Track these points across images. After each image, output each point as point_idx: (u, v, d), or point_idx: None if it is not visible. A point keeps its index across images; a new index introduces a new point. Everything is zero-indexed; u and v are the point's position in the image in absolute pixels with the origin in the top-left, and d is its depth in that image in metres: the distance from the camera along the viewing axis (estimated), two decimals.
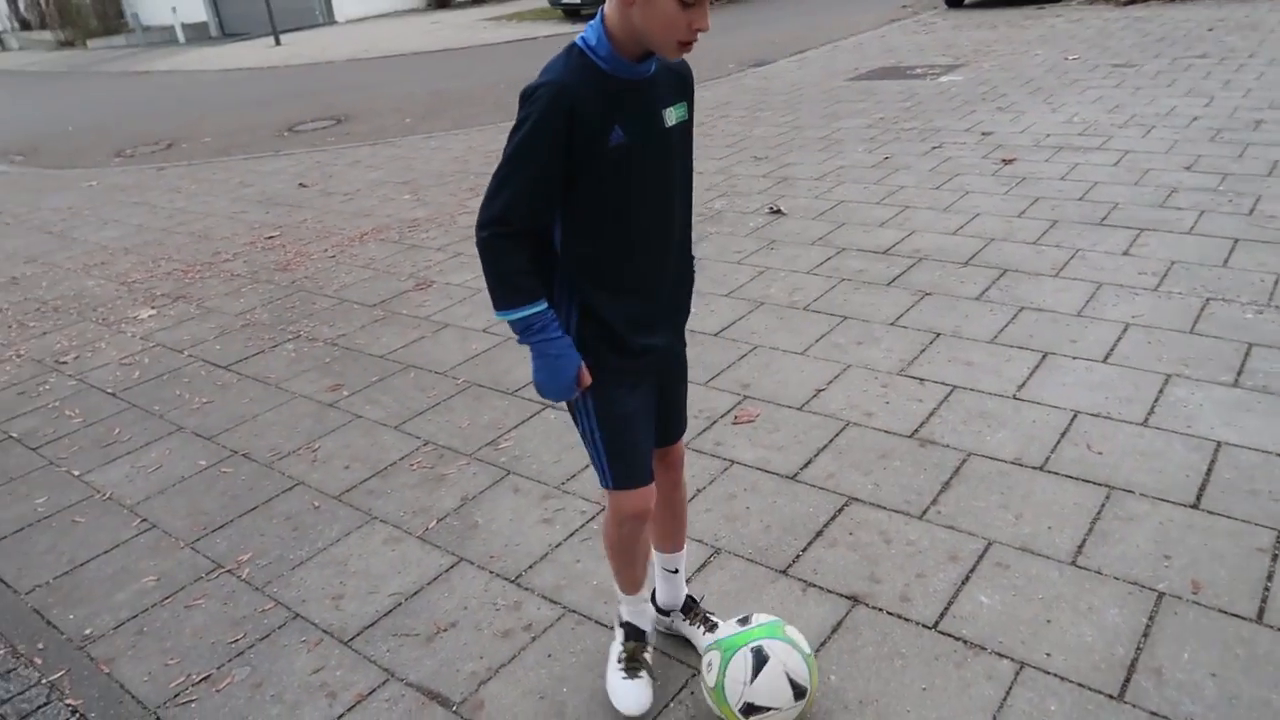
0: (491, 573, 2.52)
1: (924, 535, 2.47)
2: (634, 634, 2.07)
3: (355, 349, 4.10)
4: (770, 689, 1.82)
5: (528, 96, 1.57)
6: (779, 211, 5.27)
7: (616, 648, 2.08)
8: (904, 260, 4.34)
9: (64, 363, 4.31)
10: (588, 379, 1.72)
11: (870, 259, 4.42)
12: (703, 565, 2.45)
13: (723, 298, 4.16)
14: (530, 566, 2.53)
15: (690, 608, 2.16)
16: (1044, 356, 3.33)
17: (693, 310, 1.93)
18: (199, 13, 26.85)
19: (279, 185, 7.56)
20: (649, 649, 2.08)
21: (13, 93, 18.65)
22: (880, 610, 2.22)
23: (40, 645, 2.44)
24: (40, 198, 8.19)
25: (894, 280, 4.13)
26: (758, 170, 6.23)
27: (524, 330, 1.66)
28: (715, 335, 3.80)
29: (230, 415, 3.61)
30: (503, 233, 1.61)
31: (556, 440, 3.15)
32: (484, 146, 8.14)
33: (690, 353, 2.03)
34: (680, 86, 1.72)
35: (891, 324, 3.72)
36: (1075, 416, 2.94)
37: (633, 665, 2.03)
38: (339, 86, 13.44)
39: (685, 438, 2.06)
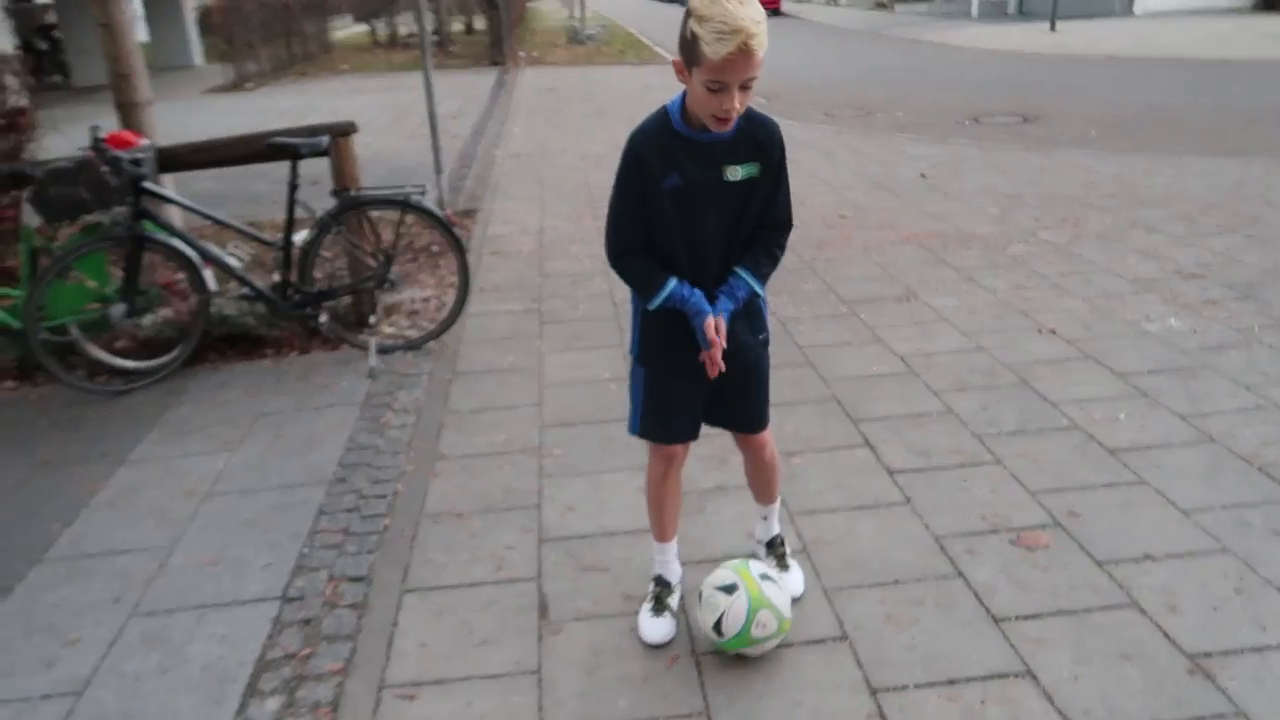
0: None
1: None
2: (661, 582, 2.47)
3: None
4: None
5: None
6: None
7: (649, 590, 2.49)
8: None
9: None
10: (722, 334, 2.10)
11: None
12: None
13: None
14: None
15: (774, 545, 2.60)
16: None
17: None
18: None
19: (906, 171, 7.85)
20: (674, 594, 2.47)
21: (808, 44, 21.75)
22: None
23: None
24: None
25: None
26: None
27: (679, 303, 2.10)
28: None
29: None
30: (621, 253, 2.14)
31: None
32: (1133, 176, 7.23)
33: None
34: (755, 150, 2.08)
35: None
36: None
37: (658, 606, 2.43)
38: (1061, 85, 12.84)
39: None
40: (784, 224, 2.20)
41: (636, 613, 2.49)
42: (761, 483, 2.56)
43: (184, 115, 11.15)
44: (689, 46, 1.88)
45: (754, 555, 2.61)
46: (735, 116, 1.94)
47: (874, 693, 2.21)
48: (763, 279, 2.21)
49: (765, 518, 2.62)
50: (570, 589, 2.62)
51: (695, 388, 2.27)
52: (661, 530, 2.46)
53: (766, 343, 2.35)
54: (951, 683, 2.23)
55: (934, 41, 20.55)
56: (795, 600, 2.48)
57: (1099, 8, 23.76)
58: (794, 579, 2.57)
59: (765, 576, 2.31)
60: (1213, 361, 3.88)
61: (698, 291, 2.11)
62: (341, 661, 2.39)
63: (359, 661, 2.39)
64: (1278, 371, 3.76)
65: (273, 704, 2.27)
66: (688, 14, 1.88)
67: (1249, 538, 2.72)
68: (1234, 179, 7.06)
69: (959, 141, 9.08)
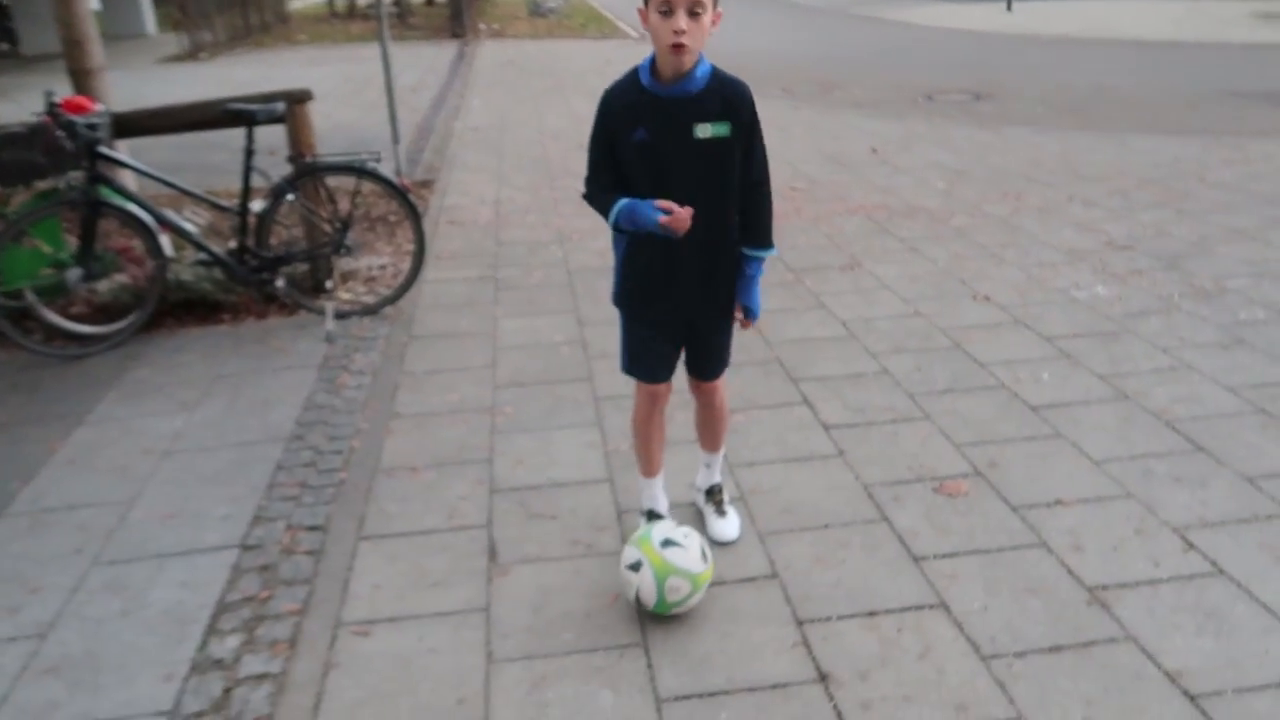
0: None
1: None
2: (653, 515, 2.64)
3: None
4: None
5: None
6: None
7: (641, 523, 2.65)
8: None
9: None
10: (678, 215, 2.15)
11: None
12: None
13: None
14: None
15: (712, 492, 2.76)
16: None
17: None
18: None
19: (859, 146, 8.02)
20: (666, 520, 2.58)
21: (771, 21, 21.85)
22: None
23: None
24: None
25: None
26: None
27: (625, 217, 2.21)
28: None
29: None
30: (592, 191, 2.31)
31: None
32: (1076, 153, 7.47)
33: None
34: (725, 109, 2.19)
35: None
36: None
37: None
38: (1014, 64, 13.09)
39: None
40: (762, 181, 2.32)
41: (584, 556, 2.63)
42: (709, 430, 2.70)
43: (137, 85, 10.98)
44: None
45: (656, 516, 2.64)
46: (688, 43, 2.06)
47: (800, 624, 2.38)
48: (766, 241, 2.36)
49: (708, 465, 2.77)
50: (519, 535, 2.76)
51: (666, 334, 2.44)
52: (649, 465, 2.64)
53: (738, 318, 2.50)
54: (871, 614, 2.41)
55: (895, 20, 20.75)
56: (729, 543, 2.64)
57: None
58: (729, 525, 2.71)
59: (667, 543, 2.36)
60: (1134, 326, 4.11)
61: (645, 203, 2.17)
62: (299, 603, 2.51)
63: (315, 602, 2.51)
64: (1193, 335, 3.99)
65: (232, 641, 2.38)
66: None
67: (1151, 485, 2.93)
68: (1172, 156, 7.32)
69: (912, 118, 9.27)
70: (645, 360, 2.48)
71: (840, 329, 4.14)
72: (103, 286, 4.37)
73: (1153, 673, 2.19)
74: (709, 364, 2.56)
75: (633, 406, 2.60)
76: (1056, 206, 6.01)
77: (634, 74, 2.21)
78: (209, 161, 7.28)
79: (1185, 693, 2.13)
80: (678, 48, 2.06)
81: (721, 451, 2.76)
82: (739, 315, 2.46)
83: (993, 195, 6.32)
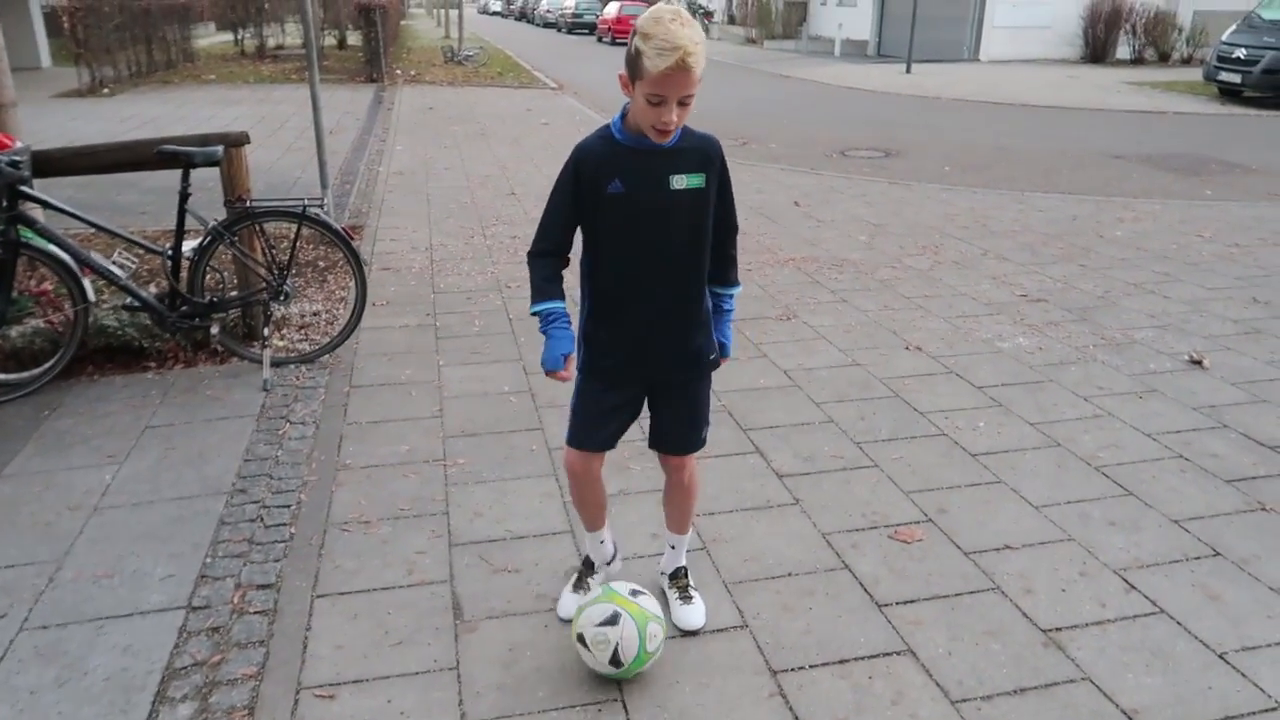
0: None
1: None
2: (587, 563, 2.67)
3: None
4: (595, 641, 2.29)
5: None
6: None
7: (575, 569, 2.69)
8: None
9: None
10: (571, 372, 2.25)
11: None
12: None
13: None
14: None
15: (677, 576, 2.66)
16: None
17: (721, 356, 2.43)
18: (864, 32, 29.02)
19: (782, 198, 8.26)
20: (596, 574, 2.65)
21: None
22: None
23: None
24: None
25: None
26: None
27: (544, 320, 2.24)
28: None
29: None
30: (536, 251, 2.28)
31: None
32: (984, 210, 7.87)
33: None
34: (701, 161, 2.23)
35: None
36: None
37: (579, 583, 2.63)
38: (918, 123, 13.75)
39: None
40: (733, 228, 2.38)
41: (550, 610, 2.60)
42: (677, 509, 2.60)
43: (34, 119, 10.47)
44: (633, 62, 2.04)
45: (622, 584, 2.48)
46: (674, 129, 2.11)
47: (774, 673, 2.40)
48: (737, 279, 2.43)
49: (673, 547, 2.67)
50: (483, 590, 2.71)
51: (631, 403, 2.41)
52: (591, 522, 2.59)
53: (715, 362, 2.43)
54: (843, 662, 2.44)
55: (801, 78, 21.55)
56: (694, 632, 2.54)
57: (949, 53, 25.49)
58: (695, 612, 2.57)
59: (635, 592, 2.36)
60: (1056, 375, 4.33)
61: (568, 332, 2.23)
62: (255, 666, 2.40)
63: (273, 665, 2.40)
64: (1110, 384, 4.23)
65: (185, 710, 2.26)
66: (634, 32, 2.06)
67: (1089, 528, 3.07)
68: (1069, 214, 7.79)
69: (829, 173, 9.62)
70: (592, 426, 2.39)
71: (784, 378, 4.24)
72: (14, 331, 4.14)
73: (1111, 711, 2.29)
74: (685, 431, 2.46)
75: (567, 478, 2.51)
76: (972, 260, 6.31)
77: (605, 130, 2.23)
78: (118, 202, 7.01)
79: None
80: (663, 133, 2.11)
81: (689, 534, 2.66)
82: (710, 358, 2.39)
83: (912, 249, 6.59)
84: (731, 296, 2.46)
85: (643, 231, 2.22)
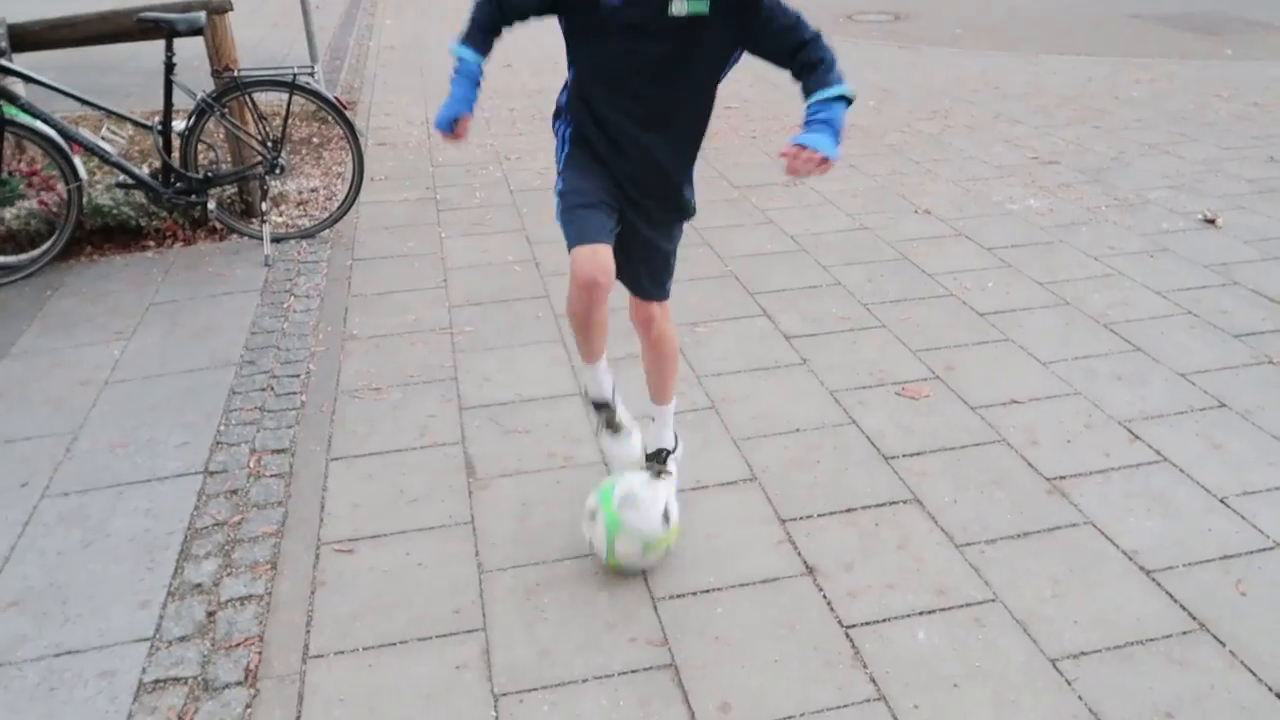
0: None
1: None
2: (600, 406, 2.40)
3: None
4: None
5: None
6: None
7: (595, 421, 2.46)
8: None
9: None
10: (463, 136, 2.04)
11: None
12: None
13: None
14: None
15: (657, 455, 2.45)
16: None
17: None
18: None
19: None
20: (618, 410, 2.41)
21: None
22: None
23: None
24: None
25: None
26: None
27: (456, 64, 2.02)
28: None
29: None
30: (473, 17, 2.03)
31: None
32: (996, 73, 7.61)
33: None
34: None
35: None
36: None
37: (613, 427, 2.41)
38: None
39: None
40: (810, 39, 2.00)
41: (564, 467, 2.64)
42: (652, 373, 2.43)
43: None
44: None
45: (605, 406, 2.41)
46: None
47: (783, 522, 2.44)
48: (834, 83, 1.95)
49: (654, 419, 2.47)
50: (495, 450, 2.74)
51: (606, 198, 2.09)
52: (589, 353, 2.28)
53: (687, 211, 2.24)
54: (850, 510, 2.49)
55: None
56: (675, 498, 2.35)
57: None
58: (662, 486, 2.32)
59: (628, 498, 2.20)
60: (1067, 236, 4.26)
61: (470, 94, 2.01)
62: (275, 525, 2.45)
63: (292, 524, 2.46)
64: (1122, 244, 4.17)
65: (209, 566, 2.32)
66: None
67: (1096, 383, 3.08)
68: (1084, 76, 7.53)
69: (836, 38, 9.20)
70: (584, 217, 2.05)
71: (790, 243, 4.18)
72: (9, 213, 4.07)
73: (1112, 552, 2.34)
74: (647, 272, 2.25)
75: (566, 299, 2.15)
76: (983, 124, 6.14)
77: None
78: (101, 84, 6.79)
79: (1142, 569, 2.28)
80: None
81: (670, 405, 2.46)
82: (798, 155, 1.89)
83: (921, 113, 6.41)
84: (828, 107, 1.92)
85: (632, 58, 1.96)
